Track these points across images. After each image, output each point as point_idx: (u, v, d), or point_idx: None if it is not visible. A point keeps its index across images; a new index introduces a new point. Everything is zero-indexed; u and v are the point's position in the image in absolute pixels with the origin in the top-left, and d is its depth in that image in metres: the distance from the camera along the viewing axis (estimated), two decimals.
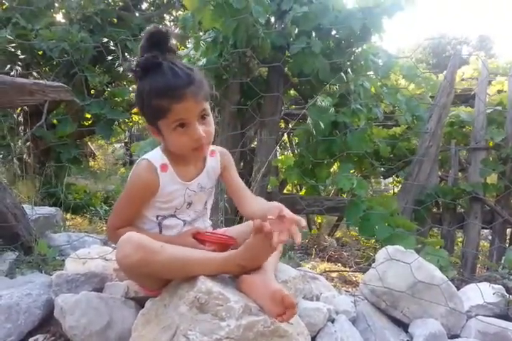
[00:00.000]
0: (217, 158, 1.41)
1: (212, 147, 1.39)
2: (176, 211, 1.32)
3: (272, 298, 1.09)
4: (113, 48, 3.94)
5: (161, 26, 1.21)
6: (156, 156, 1.27)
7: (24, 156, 3.13)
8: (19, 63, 3.64)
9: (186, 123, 1.19)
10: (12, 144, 3.14)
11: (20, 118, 3.30)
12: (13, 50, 3.75)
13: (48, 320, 1.38)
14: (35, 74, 3.92)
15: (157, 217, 1.31)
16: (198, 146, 1.23)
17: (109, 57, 3.76)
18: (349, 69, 3.44)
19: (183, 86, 1.15)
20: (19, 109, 3.42)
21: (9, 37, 3.72)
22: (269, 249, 1.14)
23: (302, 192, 4.48)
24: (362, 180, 3.17)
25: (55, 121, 4.25)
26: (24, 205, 2.08)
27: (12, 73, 3.11)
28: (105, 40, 4.08)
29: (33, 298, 1.38)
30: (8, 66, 3.33)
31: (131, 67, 1.20)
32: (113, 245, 1.84)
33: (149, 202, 1.28)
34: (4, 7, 4.36)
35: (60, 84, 1.98)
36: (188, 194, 1.31)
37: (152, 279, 1.20)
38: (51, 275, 1.56)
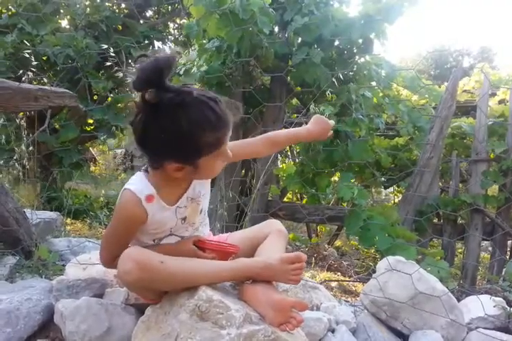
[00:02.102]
0: None
1: None
2: (171, 230, 1.25)
3: (274, 308, 1.08)
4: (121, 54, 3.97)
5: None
6: (141, 186, 1.14)
7: (25, 161, 3.13)
8: (32, 69, 3.66)
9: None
10: (16, 148, 3.15)
11: (23, 123, 3.31)
12: (27, 55, 3.77)
13: (47, 326, 1.37)
14: (45, 79, 3.95)
15: (154, 240, 1.25)
16: None
17: (110, 64, 3.78)
18: (351, 79, 3.46)
19: (228, 112, 1.08)
20: (22, 113, 3.44)
21: (26, 43, 3.75)
22: (290, 282, 1.16)
23: (304, 201, 4.49)
24: (362, 190, 3.18)
25: (57, 126, 4.26)
26: (25, 209, 2.09)
27: (23, 78, 3.13)
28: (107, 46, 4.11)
29: (33, 302, 1.37)
30: (21, 71, 3.35)
31: (171, 98, 1.01)
32: None
33: (141, 230, 1.20)
34: (10, 13, 4.39)
35: (65, 90, 1.99)
36: (179, 211, 1.22)
37: (152, 291, 1.18)
38: (51, 280, 1.56)
